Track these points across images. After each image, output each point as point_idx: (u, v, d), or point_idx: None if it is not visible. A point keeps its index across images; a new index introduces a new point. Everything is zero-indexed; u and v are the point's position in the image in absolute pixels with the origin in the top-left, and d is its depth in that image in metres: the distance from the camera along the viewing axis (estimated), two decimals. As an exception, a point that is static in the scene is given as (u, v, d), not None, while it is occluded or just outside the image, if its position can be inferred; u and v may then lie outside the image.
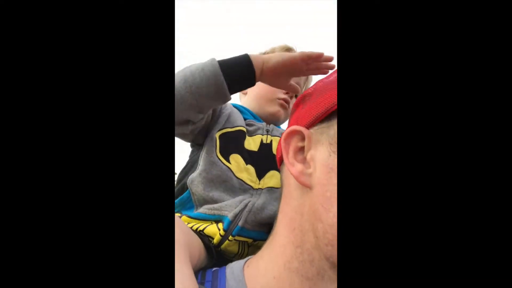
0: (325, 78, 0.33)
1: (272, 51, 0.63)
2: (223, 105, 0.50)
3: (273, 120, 0.58)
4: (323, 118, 0.28)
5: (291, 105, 0.58)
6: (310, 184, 0.27)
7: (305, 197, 0.28)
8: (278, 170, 0.42)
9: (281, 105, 0.57)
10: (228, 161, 0.45)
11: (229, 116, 0.50)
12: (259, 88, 0.58)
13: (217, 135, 0.47)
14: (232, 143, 0.47)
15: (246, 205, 0.42)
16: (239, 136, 0.49)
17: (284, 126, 0.61)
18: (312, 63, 0.43)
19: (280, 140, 0.31)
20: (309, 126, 0.29)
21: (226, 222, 0.40)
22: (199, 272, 0.31)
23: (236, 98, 0.67)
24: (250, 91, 0.61)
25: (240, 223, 0.40)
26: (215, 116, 0.49)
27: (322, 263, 0.26)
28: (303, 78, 0.61)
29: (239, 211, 0.41)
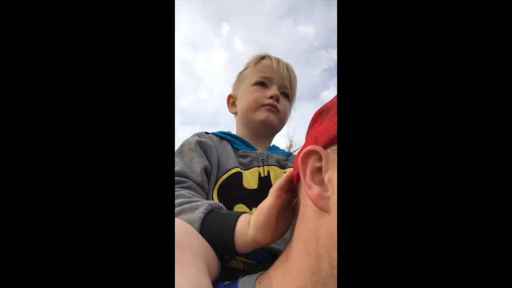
0: None
1: (248, 65, 0.62)
2: (210, 152, 0.48)
3: (267, 129, 0.57)
4: None
5: (280, 108, 0.57)
6: (328, 209, 0.26)
7: (322, 221, 0.27)
8: None
9: (269, 110, 0.56)
10: None
11: (218, 163, 0.48)
12: (243, 101, 0.58)
13: (214, 193, 0.45)
14: (232, 191, 0.46)
15: None
16: (236, 179, 0.47)
17: (280, 141, 0.59)
18: (288, 187, 0.36)
19: (296, 159, 0.30)
20: (326, 146, 0.28)
21: None
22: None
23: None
24: (238, 108, 0.61)
25: None
26: (208, 176, 0.47)
27: None
28: (277, 73, 0.58)
29: None
